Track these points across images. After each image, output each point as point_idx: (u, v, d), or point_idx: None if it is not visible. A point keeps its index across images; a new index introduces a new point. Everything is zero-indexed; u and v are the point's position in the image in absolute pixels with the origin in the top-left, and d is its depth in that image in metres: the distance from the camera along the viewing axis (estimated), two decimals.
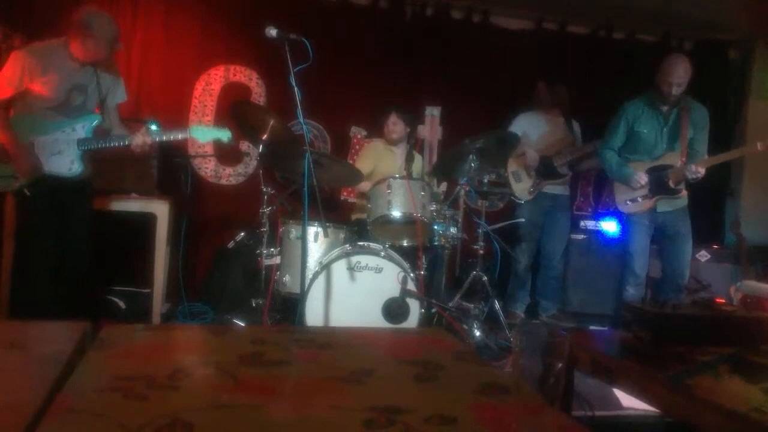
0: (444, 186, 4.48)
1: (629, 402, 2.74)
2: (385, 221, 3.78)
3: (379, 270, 3.56)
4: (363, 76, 5.14)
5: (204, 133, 3.46)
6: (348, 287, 3.53)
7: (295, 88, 2.84)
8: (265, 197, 3.69)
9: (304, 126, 2.99)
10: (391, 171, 4.04)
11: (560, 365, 1.98)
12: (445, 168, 4.26)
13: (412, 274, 3.59)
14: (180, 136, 3.38)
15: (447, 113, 5.40)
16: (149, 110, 4.55)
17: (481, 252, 3.96)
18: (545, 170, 4.71)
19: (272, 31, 2.88)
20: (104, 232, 3.53)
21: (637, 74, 5.10)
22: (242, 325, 3.82)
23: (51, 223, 3.19)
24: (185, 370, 1.28)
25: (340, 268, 3.55)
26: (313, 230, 3.71)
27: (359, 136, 5.27)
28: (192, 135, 3.44)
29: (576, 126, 4.84)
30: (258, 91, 5.05)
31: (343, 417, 1.04)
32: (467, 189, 3.97)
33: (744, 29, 5.69)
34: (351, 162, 4.75)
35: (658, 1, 4.98)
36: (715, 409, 1.48)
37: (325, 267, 3.54)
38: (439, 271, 4.00)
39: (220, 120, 4.92)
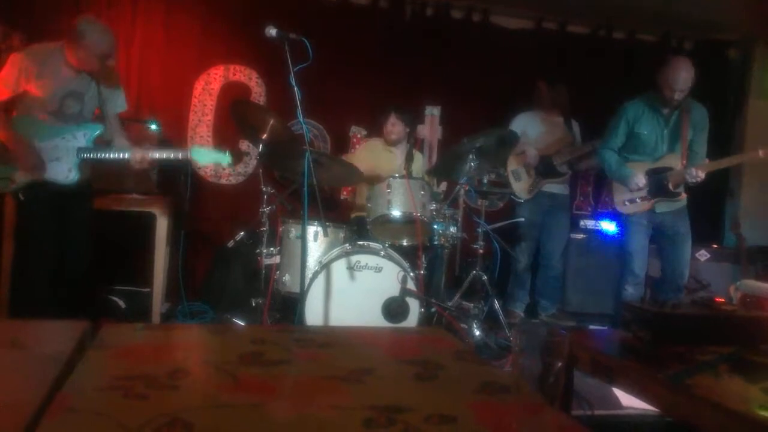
0: (444, 185, 4.49)
1: (629, 401, 2.74)
2: (385, 220, 3.78)
3: (378, 269, 3.56)
4: (363, 76, 5.14)
5: (204, 156, 3.40)
6: (348, 286, 3.53)
7: (295, 88, 2.84)
8: (265, 197, 3.69)
9: (303, 125, 2.99)
10: (389, 171, 4.04)
11: (560, 364, 1.98)
12: (445, 168, 4.26)
13: (411, 274, 3.59)
14: (180, 156, 3.34)
15: (447, 113, 5.41)
16: (149, 110, 4.55)
17: (481, 251, 3.96)
18: (545, 169, 4.71)
19: (272, 31, 2.88)
20: (104, 231, 3.53)
21: (637, 74, 5.10)
22: (242, 324, 3.82)
23: (50, 225, 3.18)
24: (185, 369, 1.28)
25: (339, 267, 3.55)
26: (312, 230, 3.71)
27: (359, 136, 5.27)
28: (192, 156, 3.37)
29: (575, 126, 4.84)
30: (258, 91, 5.05)
31: (343, 416, 1.05)
32: (467, 188, 3.97)
33: (744, 29, 5.69)
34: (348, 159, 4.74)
35: (658, 1, 4.98)
36: (714, 409, 1.48)
37: (325, 266, 3.54)
38: (438, 270, 4.00)
39: (220, 119, 4.94)
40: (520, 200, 4.78)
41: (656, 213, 4.04)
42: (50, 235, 3.18)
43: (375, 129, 4.81)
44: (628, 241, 4.13)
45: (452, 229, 3.84)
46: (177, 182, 4.26)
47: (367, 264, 3.56)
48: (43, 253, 3.16)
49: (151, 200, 4.05)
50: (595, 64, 5.49)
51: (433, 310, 3.69)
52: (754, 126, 5.79)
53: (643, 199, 4.02)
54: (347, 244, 3.73)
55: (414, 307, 3.56)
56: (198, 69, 4.94)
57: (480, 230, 3.95)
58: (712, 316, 2.15)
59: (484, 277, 3.93)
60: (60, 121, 3.19)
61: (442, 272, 3.99)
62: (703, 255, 4.90)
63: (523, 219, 4.61)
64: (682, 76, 3.78)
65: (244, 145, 5.00)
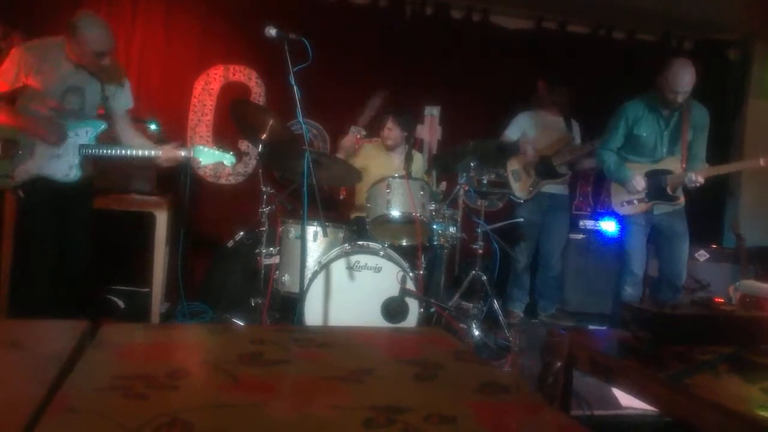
0: (443, 185, 4.49)
1: (628, 401, 2.74)
2: (385, 221, 3.78)
3: (378, 269, 3.56)
4: (362, 76, 5.14)
5: (207, 155, 3.35)
6: (347, 287, 3.53)
7: (295, 88, 2.84)
8: (265, 197, 3.69)
9: (303, 125, 2.99)
10: (387, 173, 4.04)
11: (559, 364, 1.98)
12: (445, 162, 4.27)
13: (411, 274, 3.59)
14: (183, 154, 3.30)
15: (446, 113, 5.41)
16: (149, 110, 4.55)
17: (480, 251, 3.97)
18: (544, 169, 4.71)
19: (272, 31, 2.88)
20: (104, 231, 3.52)
21: (637, 74, 5.11)
22: (241, 324, 3.82)
23: (50, 224, 3.16)
24: (185, 369, 1.28)
25: (339, 267, 3.55)
26: (312, 230, 3.70)
27: (359, 136, 5.27)
28: (195, 155, 3.33)
29: (575, 126, 4.84)
30: (257, 91, 5.05)
31: (342, 416, 1.05)
32: (466, 188, 3.97)
33: (743, 29, 5.70)
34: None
35: (658, 1, 4.98)
36: (714, 409, 1.48)
37: (325, 266, 3.54)
38: (438, 270, 4.00)
39: (220, 119, 4.93)
40: (519, 200, 4.77)
41: (654, 214, 4.04)
42: (50, 234, 3.15)
43: (374, 129, 4.81)
44: (626, 240, 4.13)
45: (452, 230, 3.84)
46: (176, 182, 4.26)
47: (366, 264, 3.56)
48: (42, 253, 3.14)
49: (151, 200, 4.05)
50: (594, 64, 5.48)
51: (432, 310, 3.69)
52: (754, 126, 5.80)
53: (640, 201, 4.01)
54: (347, 244, 3.73)
55: (413, 307, 3.56)
56: (198, 69, 4.94)
57: (479, 230, 3.96)
58: (711, 317, 2.15)
59: (484, 278, 3.94)
60: (61, 116, 3.15)
61: (442, 272, 3.99)
62: (702, 255, 4.90)
63: (522, 219, 4.61)
64: (684, 78, 3.75)
65: (244, 145, 5.00)
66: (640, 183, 3.96)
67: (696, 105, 4.00)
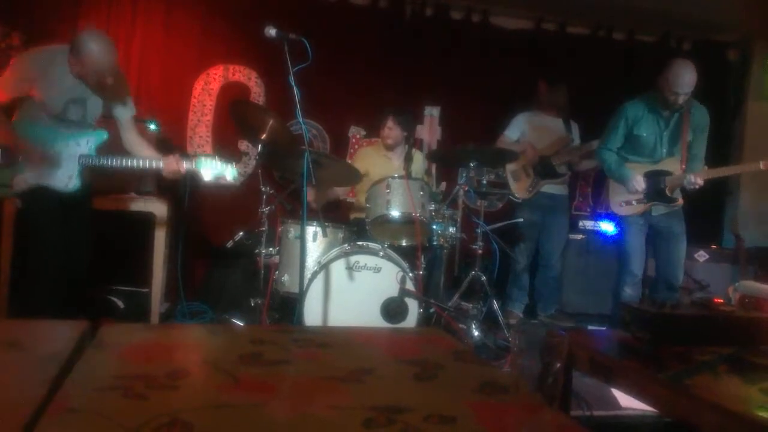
0: (443, 186, 4.49)
1: (627, 402, 2.74)
2: (384, 221, 3.78)
3: (377, 270, 3.56)
4: (362, 76, 5.14)
5: (210, 167, 3.27)
6: (347, 287, 3.53)
7: (295, 88, 2.84)
8: (264, 197, 3.69)
9: (303, 126, 2.99)
10: (387, 174, 4.04)
11: (559, 365, 1.98)
12: (443, 158, 4.27)
13: (410, 274, 3.59)
14: (186, 167, 3.23)
15: (446, 113, 5.41)
16: (148, 110, 4.55)
17: (480, 252, 3.96)
18: (544, 170, 4.71)
19: (271, 31, 2.88)
20: (103, 231, 3.52)
21: (637, 74, 5.11)
22: (241, 324, 3.82)
23: (50, 232, 3.09)
24: (184, 369, 1.28)
25: (338, 267, 3.55)
26: (311, 230, 3.71)
27: (358, 136, 5.27)
28: (197, 167, 3.26)
29: (574, 126, 4.85)
30: (257, 91, 5.05)
31: (342, 416, 1.05)
32: (466, 189, 3.98)
33: (743, 29, 5.70)
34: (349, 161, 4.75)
35: (657, 1, 4.98)
36: (713, 409, 1.48)
37: (324, 267, 3.54)
38: (437, 270, 4.00)
39: (219, 119, 4.93)
40: (519, 201, 4.78)
41: (652, 215, 4.04)
42: (50, 242, 3.09)
43: (374, 129, 4.81)
44: (625, 241, 4.13)
45: (451, 230, 3.84)
46: (176, 182, 4.25)
47: (366, 264, 3.56)
48: (44, 261, 3.08)
49: (150, 200, 4.05)
50: (594, 65, 5.49)
51: (432, 310, 3.69)
52: (753, 127, 5.80)
53: (639, 201, 4.01)
54: (346, 245, 3.73)
55: (413, 307, 3.56)
56: (197, 69, 4.94)
57: (479, 231, 3.96)
58: (710, 317, 2.15)
59: (483, 278, 3.93)
60: (62, 126, 3.10)
61: (441, 273, 3.99)
62: (702, 256, 4.91)
63: (522, 219, 4.61)
64: (685, 78, 3.73)
65: (244, 145, 5.00)
66: (640, 183, 3.96)
67: (696, 105, 3.99)
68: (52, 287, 3.09)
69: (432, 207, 3.83)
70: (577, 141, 4.81)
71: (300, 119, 2.90)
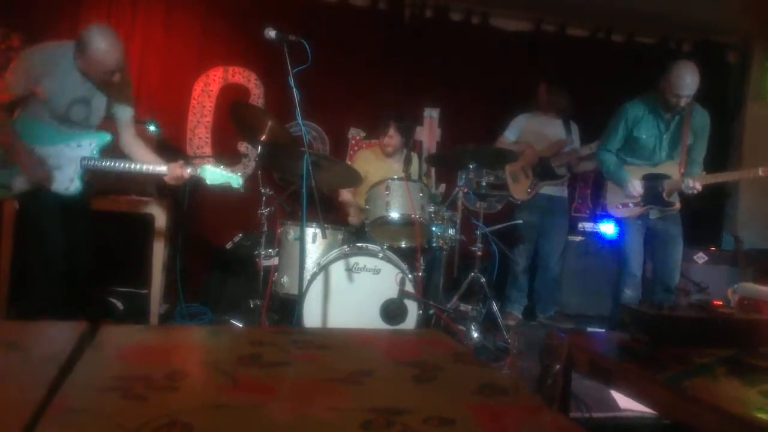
0: (442, 187, 4.49)
1: (626, 404, 2.74)
2: (384, 222, 3.78)
3: (377, 271, 3.55)
4: (362, 78, 5.15)
5: (214, 176, 3.22)
6: (346, 288, 3.53)
7: (294, 90, 2.84)
8: (264, 198, 3.69)
9: (302, 127, 2.99)
10: (386, 176, 4.04)
11: (558, 367, 1.98)
12: (443, 161, 4.28)
13: (410, 276, 3.59)
14: (189, 171, 3.18)
15: (446, 115, 5.42)
16: (148, 110, 4.55)
17: (479, 253, 3.96)
18: (543, 171, 4.72)
19: (271, 33, 2.88)
20: (102, 232, 3.52)
21: (636, 76, 5.11)
22: (240, 326, 3.82)
23: (50, 234, 3.05)
24: (184, 370, 1.28)
25: (338, 269, 3.54)
26: (311, 231, 3.70)
27: (358, 138, 5.28)
28: (201, 175, 3.20)
29: (574, 128, 4.85)
30: (257, 93, 5.05)
31: (341, 418, 1.05)
32: (465, 191, 3.98)
33: (742, 31, 5.71)
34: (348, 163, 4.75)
35: (656, 3, 4.99)
36: (712, 411, 1.48)
37: (323, 268, 3.54)
38: (437, 272, 4.00)
39: (219, 120, 4.94)
40: (518, 202, 4.78)
41: (650, 218, 4.04)
42: (50, 244, 3.04)
43: (374, 131, 4.81)
44: (624, 242, 4.13)
45: (451, 231, 3.84)
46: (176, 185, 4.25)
47: (365, 266, 3.56)
48: (43, 262, 3.05)
49: (150, 201, 4.05)
50: (593, 67, 5.50)
51: (431, 312, 3.68)
52: (753, 128, 5.81)
53: (636, 204, 4.01)
54: (345, 246, 3.73)
55: (412, 309, 3.55)
56: (197, 70, 4.94)
57: (478, 232, 3.95)
58: (709, 319, 2.16)
59: (483, 280, 3.93)
60: (65, 126, 3.04)
61: (441, 274, 3.99)
62: (701, 258, 4.91)
63: (521, 221, 4.61)
64: (688, 81, 3.68)
65: (243, 146, 5.00)
66: (637, 186, 3.95)
67: (698, 109, 3.96)
68: (51, 288, 3.05)
69: (431, 209, 3.83)
70: (576, 142, 4.81)
71: (299, 121, 2.90)
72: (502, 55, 5.42)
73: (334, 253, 3.67)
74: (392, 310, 3.53)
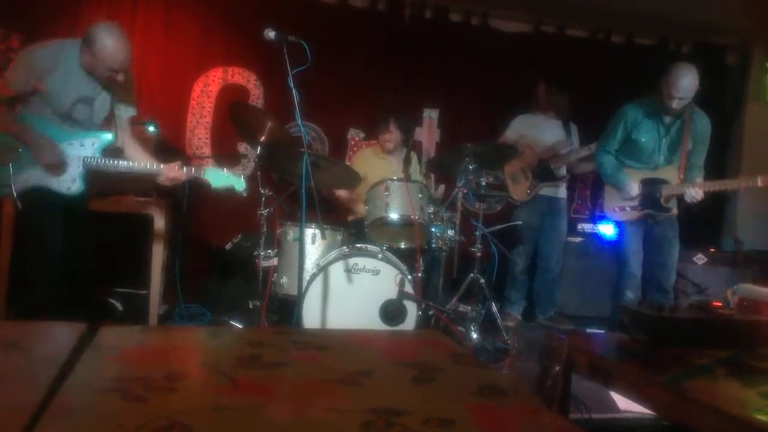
0: (442, 188, 4.49)
1: (626, 405, 2.74)
2: (383, 223, 3.78)
3: (376, 272, 3.55)
4: (361, 78, 5.15)
5: (217, 177, 3.22)
6: (345, 289, 3.52)
7: (294, 90, 2.84)
8: (263, 199, 3.69)
9: (302, 128, 2.98)
10: (386, 177, 4.04)
11: (557, 368, 1.98)
12: (442, 165, 4.28)
13: (409, 276, 3.59)
14: (192, 173, 3.17)
15: (445, 116, 5.42)
16: (147, 111, 4.55)
17: (479, 254, 3.96)
18: (542, 172, 4.72)
19: (271, 33, 2.87)
20: (102, 233, 3.52)
21: (635, 78, 5.11)
22: (239, 326, 3.82)
23: (51, 234, 3.03)
24: (183, 371, 1.28)
25: (337, 270, 3.54)
26: (310, 232, 3.70)
27: (357, 138, 5.28)
28: (205, 176, 3.19)
29: (573, 128, 4.85)
30: (256, 93, 5.05)
31: (341, 419, 1.05)
32: (465, 191, 3.97)
33: (741, 32, 5.71)
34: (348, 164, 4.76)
35: (656, 4, 4.99)
36: (711, 413, 1.48)
37: (323, 269, 3.54)
38: (436, 273, 4.00)
39: (218, 121, 4.93)
40: (517, 203, 4.78)
41: (647, 221, 4.04)
42: (50, 244, 3.02)
43: (373, 131, 4.81)
44: (623, 243, 4.13)
45: (450, 232, 3.84)
46: (174, 186, 4.25)
47: (364, 267, 3.55)
48: (43, 263, 3.03)
49: (149, 202, 4.04)
50: (593, 68, 5.50)
51: (430, 312, 3.68)
52: (752, 129, 5.82)
53: (633, 208, 4.00)
54: (345, 247, 3.73)
55: (411, 310, 3.55)
56: (197, 71, 4.94)
57: (478, 233, 3.95)
58: (709, 320, 2.15)
59: (482, 280, 3.93)
60: (67, 124, 3.02)
61: (440, 275, 3.99)
62: (700, 259, 4.91)
63: (520, 222, 4.61)
64: (685, 83, 3.67)
65: (242, 147, 5.00)
66: (635, 189, 3.93)
67: (699, 113, 3.94)
68: (51, 289, 3.04)
69: (431, 209, 3.82)
70: (576, 143, 4.81)
71: (299, 121, 2.90)
72: (502, 56, 5.42)
73: (334, 253, 3.67)
74: (391, 311, 3.53)
